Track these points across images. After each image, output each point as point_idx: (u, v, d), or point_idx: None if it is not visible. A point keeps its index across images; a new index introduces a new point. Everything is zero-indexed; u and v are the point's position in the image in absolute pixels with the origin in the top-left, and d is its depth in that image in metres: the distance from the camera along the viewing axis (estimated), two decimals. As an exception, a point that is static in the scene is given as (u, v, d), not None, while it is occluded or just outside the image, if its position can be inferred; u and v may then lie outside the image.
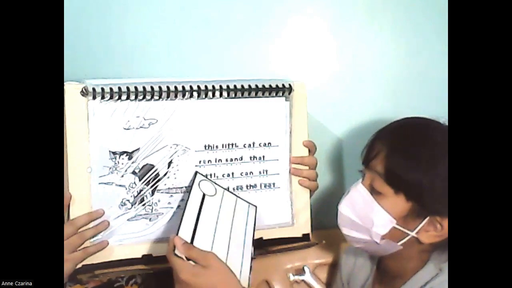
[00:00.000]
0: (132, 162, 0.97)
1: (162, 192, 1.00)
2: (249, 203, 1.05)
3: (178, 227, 0.89)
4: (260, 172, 1.07)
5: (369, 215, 0.94)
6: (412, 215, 0.92)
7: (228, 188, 1.04)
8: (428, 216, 0.91)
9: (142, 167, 0.98)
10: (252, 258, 0.94)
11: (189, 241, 0.88)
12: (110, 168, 0.96)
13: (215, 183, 1.03)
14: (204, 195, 0.98)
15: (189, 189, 0.98)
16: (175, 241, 0.86)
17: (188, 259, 0.85)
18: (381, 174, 0.93)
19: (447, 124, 0.96)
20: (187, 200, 0.95)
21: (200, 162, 1.02)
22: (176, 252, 0.86)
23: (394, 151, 0.93)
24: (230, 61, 1.26)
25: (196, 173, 1.01)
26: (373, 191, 0.95)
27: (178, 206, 1.01)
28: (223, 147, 1.04)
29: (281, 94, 1.06)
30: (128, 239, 0.99)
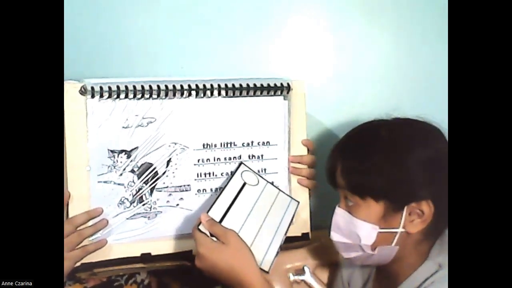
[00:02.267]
0: (131, 161, 0.98)
1: (161, 191, 1.01)
2: (292, 198, 1.07)
3: (210, 207, 0.93)
4: (258, 171, 1.07)
5: (353, 231, 0.95)
6: (390, 212, 0.92)
7: (273, 182, 1.07)
8: (405, 207, 0.92)
9: (141, 165, 0.99)
10: (281, 244, 0.97)
11: (218, 220, 0.92)
12: (108, 167, 0.97)
13: (259, 175, 1.05)
14: (245, 183, 1.00)
15: (229, 176, 1.01)
16: (201, 217, 0.91)
17: (213, 236, 0.89)
18: (344, 187, 0.95)
19: (393, 118, 0.99)
20: (226, 185, 0.98)
21: (198, 160, 1.03)
22: (200, 227, 0.90)
23: (345, 161, 0.95)
24: (230, 61, 1.26)
25: (240, 163, 1.04)
26: (349, 205, 0.96)
27: (177, 205, 1.02)
28: (221, 146, 1.04)
29: (279, 93, 1.06)
30: (127, 237, 0.99)
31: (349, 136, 1.01)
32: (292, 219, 1.03)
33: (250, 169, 1.05)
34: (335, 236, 0.98)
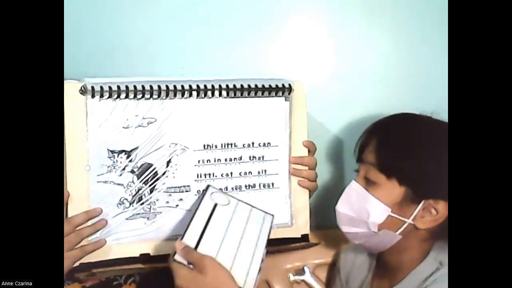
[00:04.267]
0: (130, 161, 0.97)
1: (160, 191, 1.00)
2: (266, 212, 1.04)
3: (183, 233, 0.90)
4: (259, 172, 1.07)
5: (364, 207, 0.96)
6: (407, 201, 0.94)
7: (242, 200, 1.04)
8: (422, 201, 0.94)
9: (141, 166, 0.98)
10: (262, 260, 0.94)
11: (193, 246, 0.88)
12: (108, 167, 0.96)
13: (229, 195, 1.03)
14: (216, 204, 0.98)
15: (199, 200, 0.99)
16: (176, 246, 0.87)
17: (190, 263, 0.86)
18: (373, 164, 0.97)
19: (435, 117, 1.00)
20: (196, 209, 0.95)
21: (199, 161, 1.02)
22: (176, 257, 0.86)
23: (384, 140, 0.98)
24: (231, 61, 1.26)
25: (208, 186, 1.02)
26: (369, 183, 0.98)
27: (177, 205, 1.01)
28: (222, 146, 1.04)
29: (280, 94, 1.06)
30: (126, 238, 0.99)
31: (390, 119, 1.02)
32: (270, 232, 1.01)
33: (219, 190, 1.03)
34: (342, 207, 1.00)
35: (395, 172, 0.95)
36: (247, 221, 0.99)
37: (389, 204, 0.95)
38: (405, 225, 0.95)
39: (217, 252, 0.89)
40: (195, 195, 1.03)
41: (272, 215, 1.04)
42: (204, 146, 1.02)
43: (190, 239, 0.89)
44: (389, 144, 0.97)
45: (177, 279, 0.85)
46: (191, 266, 0.86)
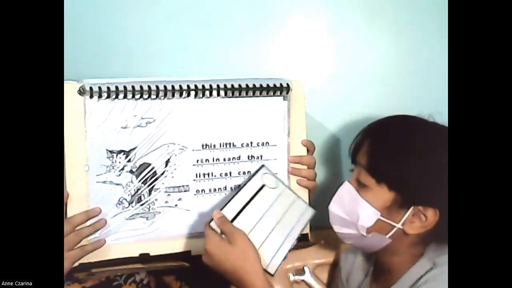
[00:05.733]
0: (129, 161, 0.98)
1: (159, 191, 1.00)
2: (309, 206, 1.08)
3: (225, 204, 0.96)
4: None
5: (355, 209, 0.97)
6: (396, 206, 0.94)
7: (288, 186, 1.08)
8: (412, 207, 0.93)
9: (139, 166, 0.98)
10: (290, 250, 0.98)
11: (230, 219, 0.94)
12: (107, 167, 0.97)
13: (280, 179, 1.06)
14: (263, 185, 1.01)
15: (249, 177, 1.03)
16: (214, 213, 0.94)
17: (223, 234, 0.92)
18: (364, 166, 0.97)
19: (431, 119, 1.00)
20: (244, 185, 1.00)
21: (197, 161, 1.02)
22: (211, 224, 0.92)
23: (376, 143, 0.97)
24: (230, 61, 1.26)
25: (262, 165, 1.05)
26: (360, 185, 0.98)
27: (176, 205, 1.02)
28: (220, 146, 1.04)
29: (279, 94, 1.06)
30: (125, 237, 0.99)
31: (382, 122, 1.02)
32: (305, 227, 1.04)
33: (271, 171, 1.06)
34: (334, 208, 1.01)
35: (384, 177, 0.95)
36: (288, 209, 1.03)
37: (378, 208, 0.95)
38: (394, 230, 0.95)
39: (251, 229, 0.94)
40: (194, 195, 1.03)
41: (314, 210, 1.07)
42: (203, 145, 1.02)
43: (229, 211, 0.94)
44: (380, 149, 0.96)
45: (207, 244, 0.92)
46: (223, 236, 0.92)
